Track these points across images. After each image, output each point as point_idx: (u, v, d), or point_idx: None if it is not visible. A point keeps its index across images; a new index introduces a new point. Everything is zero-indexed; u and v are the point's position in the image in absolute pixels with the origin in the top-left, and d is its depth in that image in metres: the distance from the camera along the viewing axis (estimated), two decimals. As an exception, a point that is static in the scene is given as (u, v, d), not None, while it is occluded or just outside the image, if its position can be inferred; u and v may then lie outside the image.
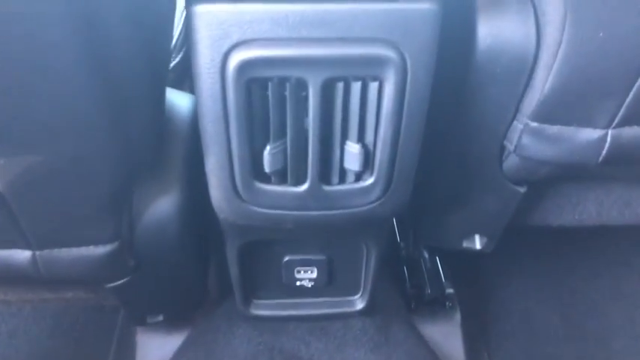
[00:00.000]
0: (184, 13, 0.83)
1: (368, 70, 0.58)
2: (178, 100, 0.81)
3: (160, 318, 1.00)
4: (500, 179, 0.80)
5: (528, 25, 0.63)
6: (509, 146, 0.73)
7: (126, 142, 0.64)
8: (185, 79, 0.99)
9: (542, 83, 0.65)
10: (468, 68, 0.66)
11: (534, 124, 0.69)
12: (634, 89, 0.64)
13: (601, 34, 0.60)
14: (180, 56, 1.00)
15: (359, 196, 0.68)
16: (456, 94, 0.69)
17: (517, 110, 0.70)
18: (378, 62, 0.57)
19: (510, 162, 0.76)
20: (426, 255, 1.18)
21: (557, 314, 1.21)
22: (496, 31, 0.64)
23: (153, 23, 0.64)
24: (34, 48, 0.50)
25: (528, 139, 0.71)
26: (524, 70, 0.65)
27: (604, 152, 0.70)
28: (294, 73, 0.57)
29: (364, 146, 0.64)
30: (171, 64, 0.96)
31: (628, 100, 0.66)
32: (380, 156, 0.65)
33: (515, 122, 0.71)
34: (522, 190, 0.82)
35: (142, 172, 0.71)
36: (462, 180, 0.82)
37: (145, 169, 0.72)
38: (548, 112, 0.68)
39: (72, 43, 0.51)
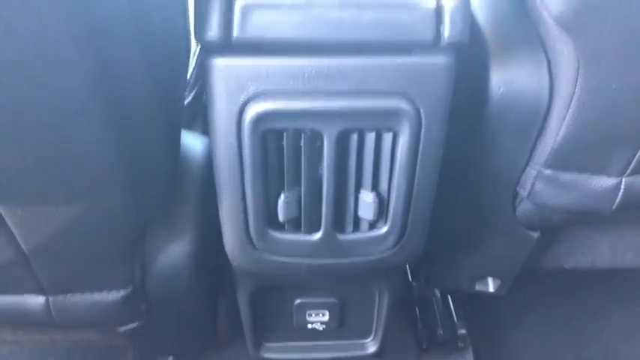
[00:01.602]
0: (198, 48, 0.84)
1: (382, 121, 0.59)
2: (192, 143, 0.81)
3: (170, 359, 0.99)
4: (514, 224, 0.80)
5: (541, 75, 0.64)
6: (523, 192, 0.73)
7: (141, 190, 0.64)
8: (197, 119, 1.00)
9: (556, 132, 0.65)
10: (481, 116, 0.66)
11: (548, 172, 0.69)
12: None
13: (614, 86, 0.61)
14: (192, 95, 1.01)
15: (373, 244, 0.68)
16: (469, 141, 0.70)
17: (530, 157, 0.70)
18: (393, 114, 0.58)
19: (523, 208, 0.76)
20: (438, 294, 1.17)
21: (571, 356, 1.19)
22: (509, 80, 0.64)
23: (169, 73, 0.65)
24: (53, 101, 0.50)
25: (542, 185, 0.71)
26: (537, 119, 0.66)
27: (618, 200, 0.70)
28: (310, 124, 0.58)
29: (378, 195, 0.64)
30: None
31: None
32: (394, 205, 0.65)
33: (528, 169, 0.71)
34: (535, 235, 0.81)
35: (155, 216, 0.72)
36: (475, 224, 0.82)
37: (158, 214, 0.72)
38: (561, 160, 0.68)
39: (90, 96, 0.51)
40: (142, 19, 0.54)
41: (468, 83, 0.65)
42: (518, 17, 0.66)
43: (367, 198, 0.64)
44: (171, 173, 0.71)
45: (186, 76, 0.78)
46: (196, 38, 0.56)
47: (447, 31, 0.55)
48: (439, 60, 0.56)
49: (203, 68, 0.57)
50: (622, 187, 0.69)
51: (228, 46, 0.54)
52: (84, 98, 0.51)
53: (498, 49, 0.65)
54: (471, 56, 0.65)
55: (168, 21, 0.63)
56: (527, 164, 0.71)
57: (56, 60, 0.47)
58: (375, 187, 0.64)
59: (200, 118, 0.98)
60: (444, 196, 0.72)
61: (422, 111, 0.58)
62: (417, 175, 0.63)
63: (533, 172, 0.70)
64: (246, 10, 0.53)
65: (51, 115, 0.51)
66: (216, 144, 0.61)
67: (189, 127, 0.95)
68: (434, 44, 0.55)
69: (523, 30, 0.65)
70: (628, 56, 0.58)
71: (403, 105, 0.57)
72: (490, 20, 0.67)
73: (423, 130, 0.60)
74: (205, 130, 0.89)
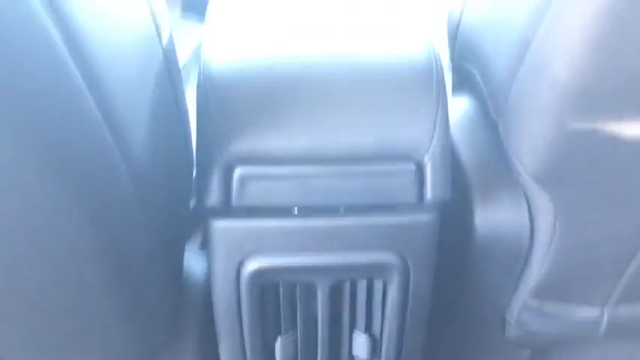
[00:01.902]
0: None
1: (372, 273, 0.63)
2: (192, 265, 0.84)
3: None
4: (504, 344, 0.82)
5: (522, 217, 0.67)
6: (511, 319, 0.76)
7: (144, 332, 0.67)
8: (197, 226, 1.02)
9: (538, 268, 0.69)
10: (467, 254, 0.70)
11: (533, 302, 0.72)
12: (625, 274, 0.68)
13: (590, 231, 0.64)
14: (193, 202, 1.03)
15: None
16: (457, 275, 0.73)
17: (516, 287, 0.73)
18: (382, 267, 0.62)
19: (512, 331, 0.79)
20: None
21: None
22: (492, 221, 0.68)
23: (172, 215, 0.68)
24: (57, 264, 0.52)
25: (528, 314, 0.74)
26: (520, 256, 0.69)
27: (602, 328, 0.73)
28: (304, 278, 0.62)
29: (371, 335, 0.67)
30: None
31: (621, 283, 0.69)
32: (387, 344, 0.67)
33: (514, 298, 0.74)
34: (526, 353, 0.84)
35: (158, 351, 0.74)
36: (466, 344, 0.84)
37: (161, 349, 0.74)
38: (545, 291, 0.71)
39: (91, 255, 0.53)
40: (148, 188, 0.58)
41: (454, 223, 0.68)
42: (499, 161, 0.70)
43: (361, 338, 0.67)
44: (174, 309, 0.74)
45: (188, 212, 0.82)
46: (198, 203, 0.60)
47: (429, 193, 0.59)
48: (423, 217, 0.60)
49: (203, 227, 0.61)
50: (605, 316, 0.72)
51: (227, 210, 0.58)
52: (83, 253, 0.52)
53: (481, 192, 0.69)
54: (456, 198, 0.69)
55: (173, 173, 0.67)
56: (513, 294, 0.74)
57: (54, 220, 0.47)
58: (368, 328, 0.67)
59: (200, 228, 1.00)
60: (435, 318, 0.75)
61: (409, 262, 0.62)
62: (407, 317, 0.66)
63: (520, 302, 0.73)
64: (243, 181, 0.57)
65: (57, 281, 0.54)
66: (215, 294, 0.64)
67: (190, 237, 0.97)
68: (417, 205, 0.60)
69: (504, 174, 0.69)
70: (601, 208, 0.62)
71: (391, 259, 0.61)
72: (473, 163, 0.71)
73: (411, 279, 0.63)
74: (204, 244, 0.92)
